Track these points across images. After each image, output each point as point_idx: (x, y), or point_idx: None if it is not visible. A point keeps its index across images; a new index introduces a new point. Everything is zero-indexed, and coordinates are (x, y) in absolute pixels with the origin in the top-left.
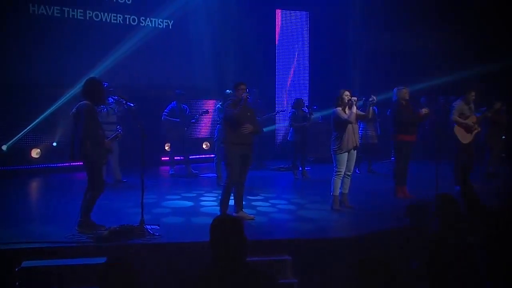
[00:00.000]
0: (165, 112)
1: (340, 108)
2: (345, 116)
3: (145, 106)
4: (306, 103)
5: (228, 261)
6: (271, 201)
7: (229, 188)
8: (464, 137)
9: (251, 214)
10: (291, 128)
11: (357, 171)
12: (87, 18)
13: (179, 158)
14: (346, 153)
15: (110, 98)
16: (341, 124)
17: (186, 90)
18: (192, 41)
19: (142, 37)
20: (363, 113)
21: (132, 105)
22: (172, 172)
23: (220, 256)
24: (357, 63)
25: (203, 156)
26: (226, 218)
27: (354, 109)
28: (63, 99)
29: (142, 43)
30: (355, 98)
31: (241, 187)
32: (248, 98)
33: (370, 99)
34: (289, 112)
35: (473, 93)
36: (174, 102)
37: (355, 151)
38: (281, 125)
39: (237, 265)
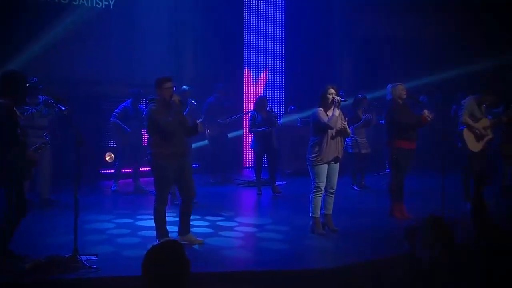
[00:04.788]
0: (115, 112)
1: (321, 109)
2: (324, 120)
3: (81, 105)
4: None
5: None
6: (235, 223)
7: (160, 211)
8: (474, 145)
9: (200, 238)
10: (252, 134)
11: (355, 187)
12: None
13: (127, 171)
14: (326, 165)
15: (40, 97)
16: (320, 128)
17: (131, 86)
18: (140, 26)
19: (75, 19)
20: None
21: (63, 108)
22: (114, 188)
23: None
24: (345, 54)
25: None
26: (164, 246)
27: (337, 112)
28: None
29: (75, 27)
30: (339, 99)
31: (188, 205)
32: (181, 102)
33: (335, 99)
34: (249, 115)
35: (489, 98)
36: (129, 100)
37: (337, 164)
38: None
39: None
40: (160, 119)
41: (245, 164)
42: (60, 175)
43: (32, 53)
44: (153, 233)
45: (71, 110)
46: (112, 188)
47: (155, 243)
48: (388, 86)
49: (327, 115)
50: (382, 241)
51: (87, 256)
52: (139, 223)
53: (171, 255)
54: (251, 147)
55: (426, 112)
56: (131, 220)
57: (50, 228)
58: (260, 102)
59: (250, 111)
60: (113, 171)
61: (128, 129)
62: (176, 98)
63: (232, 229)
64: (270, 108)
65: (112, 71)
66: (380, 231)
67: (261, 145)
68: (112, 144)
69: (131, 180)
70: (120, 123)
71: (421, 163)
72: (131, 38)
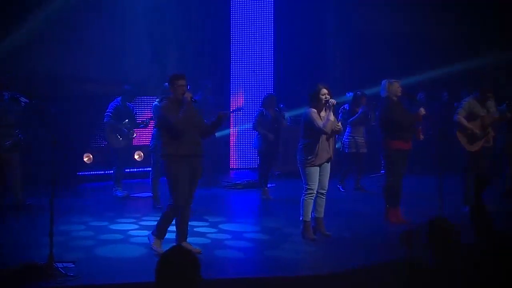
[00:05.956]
0: (109, 112)
1: (314, 110)
2: (320, 124)
3: (59, 104)
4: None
5: None
6: (221, 229)
7: (173, 214)
8: (469, 145)
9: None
10: (256, 132)
11: (341, 188)
12: None
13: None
14: (318, 167)
15: (5, 94)
16: (313, 131)
17: (113, 84)
18: (120, 20)
19: (52, 12)
20: (339, 127)
21: (27, 101)
22: (121, 194)
23: None
24: (338, 49)
25: (135, 170)
26: (179, 251)
27: (332, 116)
28: None
29: (51, 21)
30: (334, 101)
31: (187, 210)
32: (193, 99)
33: (329, 102)
34: (256, 111)
35: (490, 95)
36: (118, 99)
37: (329, 163)
38: (237, 129)
39: None
40: (169, 116)
41: (232, 165)
42: (36, 177)
43: (4, 48)
44: (132, 239)
45: (39, 105)
46: (117, 193)
47: (152, 245)
48: (383, 82)
49: (320, 117)
50: (377, 246)
51: (63, 263)
52: (113, 226)
53: (184, 260)
54: (254, 146)
55: (422, 110)
56: (112, 225)
57: (24, 233)
58: (269, 100)
59: (258, 108)
60: (112, 172)
61: (125, 129)
62: (188, 95)
63: (204, 235)
64: (278, 107)
65: (94, 69)
66: (374, 236)
67: (267, 146)
68: (99, 144)
69: (111, 182)
70: (116, 123)
71: (420, 164)
72: (111, 32)
